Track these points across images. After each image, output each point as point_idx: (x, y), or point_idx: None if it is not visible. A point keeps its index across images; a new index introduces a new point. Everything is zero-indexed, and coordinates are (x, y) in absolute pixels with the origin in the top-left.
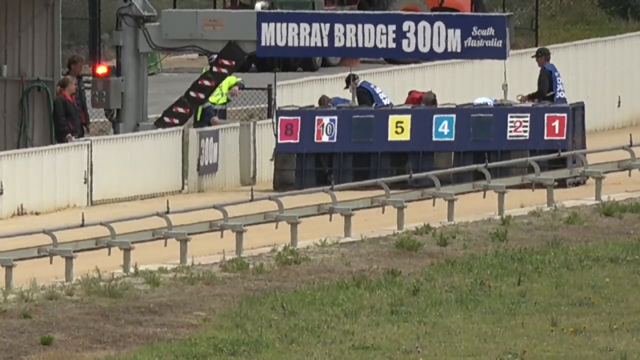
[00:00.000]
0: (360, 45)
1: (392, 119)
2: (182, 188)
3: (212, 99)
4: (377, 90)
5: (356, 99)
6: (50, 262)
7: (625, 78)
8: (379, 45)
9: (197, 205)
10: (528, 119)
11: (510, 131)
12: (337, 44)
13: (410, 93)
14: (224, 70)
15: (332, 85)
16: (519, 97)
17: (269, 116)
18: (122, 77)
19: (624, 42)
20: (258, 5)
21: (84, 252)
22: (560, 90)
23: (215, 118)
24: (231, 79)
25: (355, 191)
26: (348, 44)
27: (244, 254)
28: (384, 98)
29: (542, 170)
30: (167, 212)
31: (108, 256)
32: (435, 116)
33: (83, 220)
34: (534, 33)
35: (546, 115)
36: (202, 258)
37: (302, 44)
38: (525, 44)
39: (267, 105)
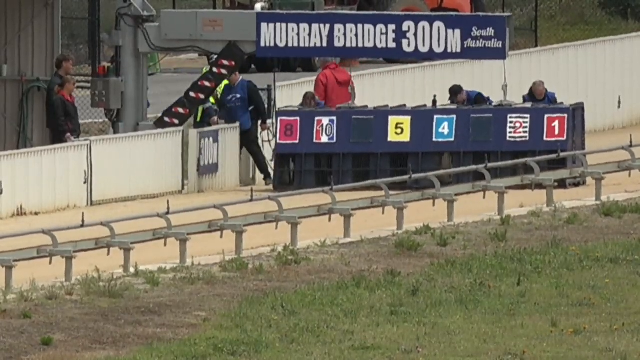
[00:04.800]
0: (360, 45)
1: (392, 119)
2: (182, 188)
3: (212, 99)
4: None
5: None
6: (50, 263)
7: (625, 78)
8: (379, 46)
9: (197, 206)
10: (528, 119)
11: (510, 132)
12: (337, 44)
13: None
14: (224, 71)
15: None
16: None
17: (269, 117)
18: (122, 77)
19: (624, 42)
20: (258, 6)
21: (84, 252)
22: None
23: (215, 118)
24: None
25: (355, 192)
26: (348, 44)
27: (243, 254)
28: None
29: (542, 170)
30: (167, 213)
31: (108, 256)
32: (435, 117)
33: (83, 220)
34: (533, 33)
35: (546, 115)
36: (202, 258)
37: (301, 44)
38: (525, 45)
39: (266, 106)
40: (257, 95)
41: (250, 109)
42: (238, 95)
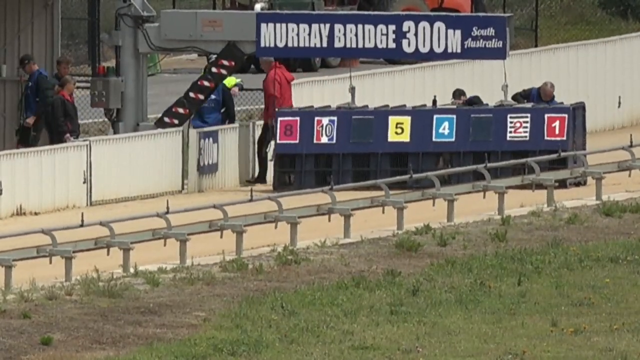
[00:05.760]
0: (360, 45)
1: (392, 119)
2: (182, 188)
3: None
4: None
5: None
6: (50, 262)
7: (625, 78)
8: (379, 46)
9: (197, 206)
10: (528, 119)
11: (510, 132)
12: (337, 44)
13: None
14: (223, 71)
15: (332, 86)
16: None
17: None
18: (122, 77)
19: (624, 42)
20: (257, 6)
21: (84, 252)
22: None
23: None
24: (230, 80)
25: (355, 192)
26: (348, 45)
27: (243, 254)
28: None
29: (543, 170)
30: (167, 212)
31: (107, 256)
32: (435, 117)
33: (82, 220)
34: (533, 33)
35: (546, 115)
36: (201, 258)
37: (301, 44)
38: (525, 45)
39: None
40: (230, 99)
41: (222, 111)
42: (213, 97)
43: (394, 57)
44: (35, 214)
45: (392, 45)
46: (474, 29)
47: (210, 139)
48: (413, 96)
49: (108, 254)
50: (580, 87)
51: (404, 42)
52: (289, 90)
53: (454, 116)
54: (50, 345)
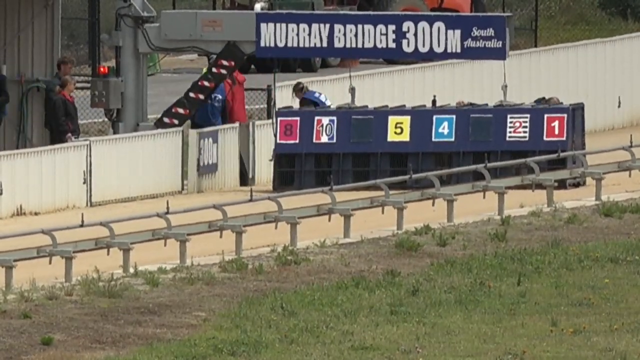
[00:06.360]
0: (359, 45)
1: (392, 119)
2: (182, 188)
3: None
4: (322, 99)
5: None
6: (50, 263)
7: (625, 78)
8: (379, 46)
9: (197, 206)
10: (528, 119)
11: (510, 132)
12: (336, 44)
13: None
14: (223, 71)
15: (332, 86)
16: None
17: (269, 117)
18: (122, 77)
19: (624, 42)
20: (257, 6)
21: (84, 252)
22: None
23: None
24: None
25: (355, 192)
26: (348, 45)
27: (243, 254)
28: (330, 105)
29: (542, 170)
30: (167, 213)
31: (107, 256)
32: (435, 117)
33: (82, 220)
34: (533, 33)
35: (546, 115)
36: (201, 258)
37: (301, 44)
38: (525, 45)
39: (266, 106)
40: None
41: None
42: (219, 97)
43: (393, 57)
44: (35, 214)
45: (391, 45)
46: (473, 29)
47: (210, 139)
48: (413, 96)
49: (108, 254)
50: (580, 87)
51: (404, 42)
52: (241, 92)
53: (454, 116)
54: (50, 345)
